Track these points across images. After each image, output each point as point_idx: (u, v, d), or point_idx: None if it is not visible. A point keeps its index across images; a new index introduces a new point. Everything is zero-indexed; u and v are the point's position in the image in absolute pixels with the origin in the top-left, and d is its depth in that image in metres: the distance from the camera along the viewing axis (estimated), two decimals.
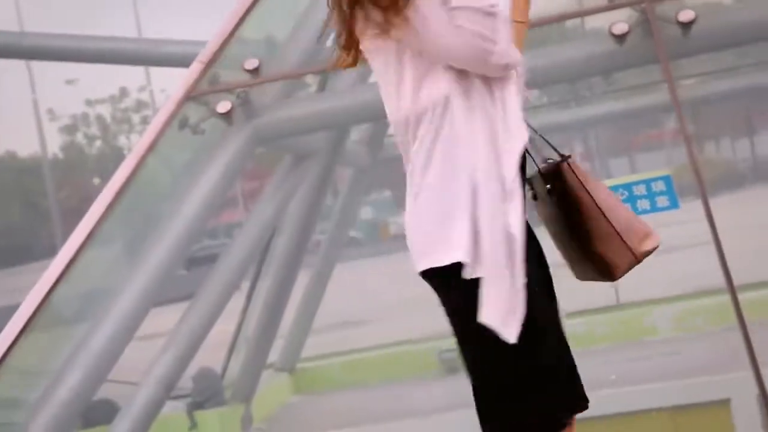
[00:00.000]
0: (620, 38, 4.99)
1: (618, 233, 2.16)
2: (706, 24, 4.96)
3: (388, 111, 2.10)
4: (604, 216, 2.16)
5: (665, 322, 8.22)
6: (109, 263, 6.07)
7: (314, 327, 9.36)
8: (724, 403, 6.70)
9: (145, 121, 32.92)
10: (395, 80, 2.05)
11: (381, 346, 9.70)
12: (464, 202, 1.96)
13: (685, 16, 4.87)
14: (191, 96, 5.13)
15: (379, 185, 25.75)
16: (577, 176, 2.16)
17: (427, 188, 2.01)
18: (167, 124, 5.04)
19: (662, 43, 4.88)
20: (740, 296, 7.33)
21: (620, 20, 5.03)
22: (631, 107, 9.62)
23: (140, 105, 34.87)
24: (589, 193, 2.16)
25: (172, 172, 6.20)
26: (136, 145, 5.23)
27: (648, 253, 2.19)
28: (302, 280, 8.79)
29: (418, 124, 2.02)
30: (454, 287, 1.97)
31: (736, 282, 7.86)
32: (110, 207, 5.07)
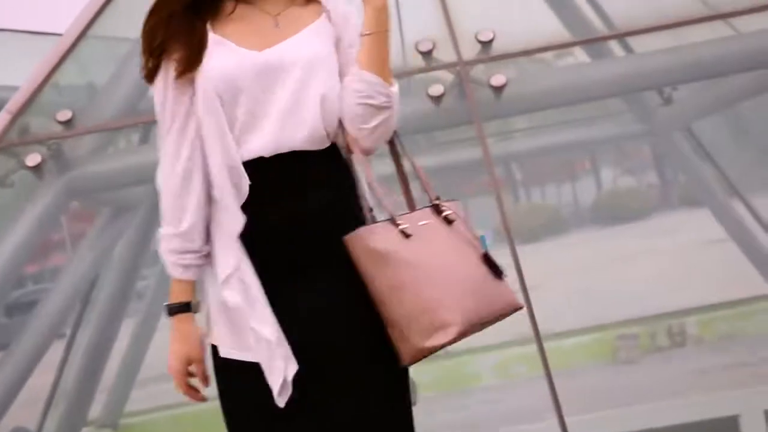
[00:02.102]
0: (437, 99, 5.13)
1: (398, 323, 1.96)
2: (517, 88, 5.17)
3: None
4: (384, 305, 1.97)
5: (487, 370, 8.43)
6: None
7: (144, 378, 9.06)
8: None
9: None
10: None
11: (212, 398, 9.48)
12: None
13: (497, 80, 5.06)
14: None
15: None
16: (358, 257, 1.97)
17: None
18: None
19: (475, 105, 5.05)
20: (556, 343, 7.64)
21: (437, 82, 5.18)
22: (462, 159, 9.90)
23: None
24: (367, 276, 1.97)
25: None
26: None
27: (437, 348, 1.96)
28: (127, 330, 8.51)
29: None
30: None
31: (560, 328, 8.20)
32: None
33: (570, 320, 8.90)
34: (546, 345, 5.13)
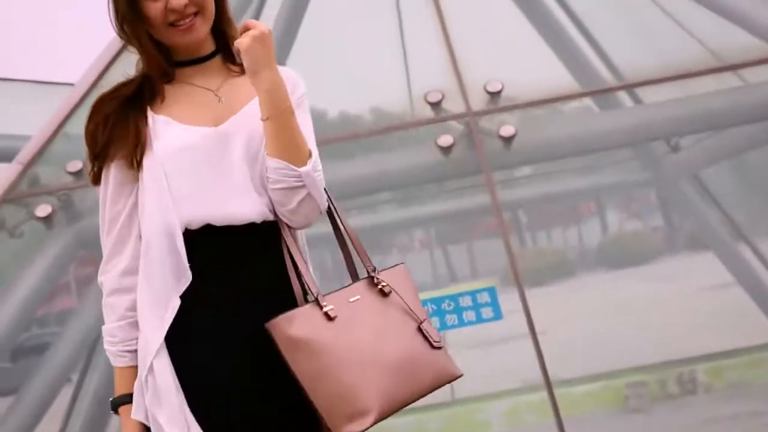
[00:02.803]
0: (446, 150, 5.15)
1: (320, 409, 1.94)
2: (525, 139, 5.19)
3: None
4: (305, 390, 1.94)
5: (497, 418, 8.35)
6: None
7: None
8: None
9: None
10: None
11: None
12: None
13: (506, 131, 5.09)
14: (8, 198, 4.92)
15: None
16: (278, 345, 1.94)
17: None
18: None
19: (484, 155, 5.07)
20: (565, 390, 7.57)
21: (446, 132, 5.21)
22: (471, 205, 9.93)
23: None
24: (289, 363, 1.94)
25: None
26: None
27: None
28: None
29: None
30: None
31: (568, 374, 8.12)
32: None
33: (578, 366, 8.83)
34: (555, 392, 5.10)
